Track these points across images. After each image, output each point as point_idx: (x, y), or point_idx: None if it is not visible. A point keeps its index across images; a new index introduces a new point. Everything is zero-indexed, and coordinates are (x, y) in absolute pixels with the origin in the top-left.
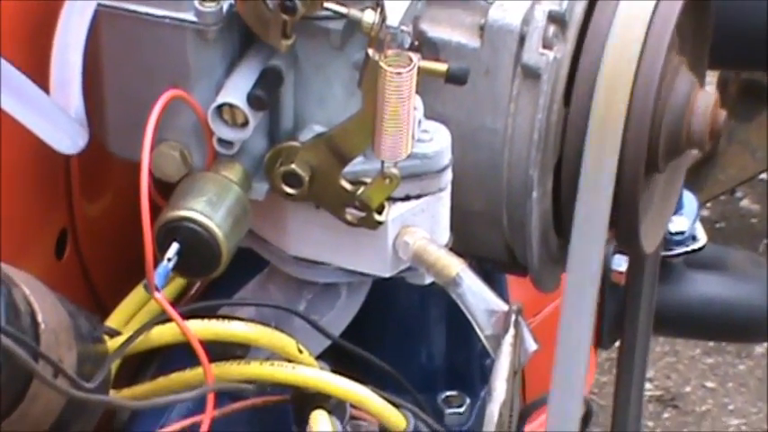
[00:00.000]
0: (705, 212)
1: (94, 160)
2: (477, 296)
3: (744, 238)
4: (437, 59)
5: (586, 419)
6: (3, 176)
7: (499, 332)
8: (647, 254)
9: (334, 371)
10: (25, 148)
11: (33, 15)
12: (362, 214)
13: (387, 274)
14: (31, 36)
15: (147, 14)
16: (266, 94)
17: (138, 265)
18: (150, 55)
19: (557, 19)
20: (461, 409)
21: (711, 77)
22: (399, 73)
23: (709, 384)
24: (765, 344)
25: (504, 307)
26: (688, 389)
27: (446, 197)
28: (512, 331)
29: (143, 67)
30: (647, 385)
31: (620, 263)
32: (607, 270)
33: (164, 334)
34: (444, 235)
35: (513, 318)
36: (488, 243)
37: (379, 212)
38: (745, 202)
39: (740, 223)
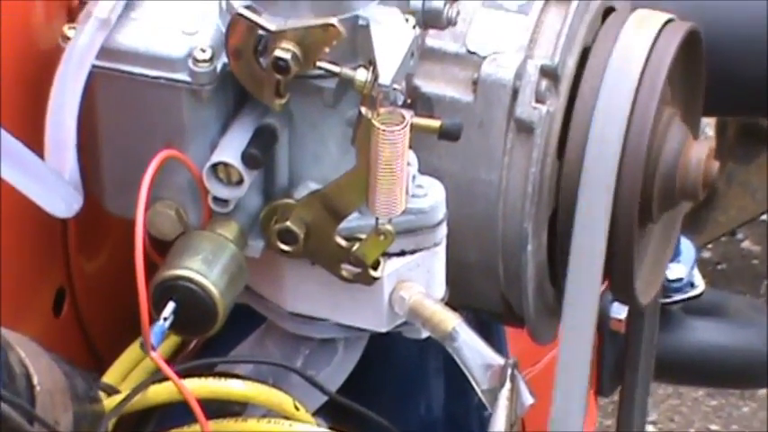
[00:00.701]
0: (706, 254)
1: (91, 218)
2: (473, 350)
3: (745, 280)
4: (431, 115)
5: None
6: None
7: (495, 386)
8: (643, 305)
9: (332, 427)
10: (22, 207)
11: (27, 77)
12: (358, 270)
13: (383, 329)
14: (25, 97)
15: (142, 75)
16: (261, 152)
17: (135, 320)
18: (145, 115)
19: (549, 73)
20: None
21: (710, 120)
22: (392, 130)
23: (713, 427)
24: None
25: (500, 361)
26: (692, 431)
27: (441, 251)
28: (508, 385)
29: (138, 126)
30: (651, 428)
31: (620, 311)
32: (606, 318)
33: (160, 393)
34: (440, 289)
35: (510, 372)
36: (484, 294)
37: (375, 268)
38: (746, 244)
39: (741, 264)
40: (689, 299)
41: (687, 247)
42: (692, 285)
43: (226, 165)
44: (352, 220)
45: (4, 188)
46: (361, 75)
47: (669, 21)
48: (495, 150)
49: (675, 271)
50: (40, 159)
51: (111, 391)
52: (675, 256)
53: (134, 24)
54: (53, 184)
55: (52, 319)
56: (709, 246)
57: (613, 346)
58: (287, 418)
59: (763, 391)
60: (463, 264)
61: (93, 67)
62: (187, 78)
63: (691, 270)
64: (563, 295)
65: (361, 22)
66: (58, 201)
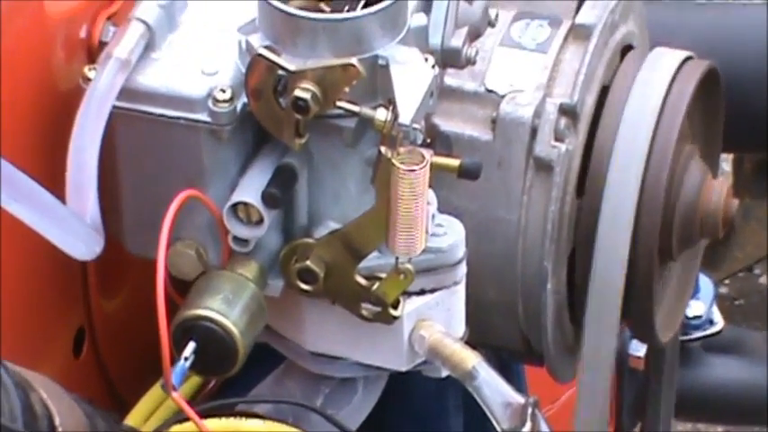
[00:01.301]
0: (724, 290)
1: (111, 259)
2: (493, 389)
3: (763, 315)
4: (450, 153)
5: None
6: (20, 277)
7: (516, 425)
8: (663, 343)
9: None
10: (42, 247)
11: (47, 118)
12: (378, 309)
13: (403, 368)
14: (46, 138)
15: (162, 116)
16: (281, 191)
17: (156, 360)
18: (165, 155)
19: (568, 111)
20: None
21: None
22: (412, 170)
23: None
24: None
25: (520, 399)
26: None
27: (461, 290)
28: (528, 424)
29: (158, 167)
30: None
31: (639, 348)
32: (625, 355)
33: None
34: (460, 328)
35: (530, 410)
36: (504, 333)
37: (395, 307)
38: (763, 279)
39: (759, 300)
40: (708, 336)
41: (706, 283)
42: (711, 322)
43: (246, 204)
44: (372, 260)
45: (24, 229)
46: (381, 114)
47: (688, 58)
48: (514, 189)
49: (695, 308)
50: (60, 202)
51: None
52: (694, 293)
53: (154, 65)
54: (74, 228)
55: (72, 360)
56: (727, 281)
57: (632, 384)
58: None
59: None
60: (483, 302)
61: (114, 107)
62: (207, 119)
63: (710, 307)
64: (582, 333)
65: (380, 61)
66: (79, 244)
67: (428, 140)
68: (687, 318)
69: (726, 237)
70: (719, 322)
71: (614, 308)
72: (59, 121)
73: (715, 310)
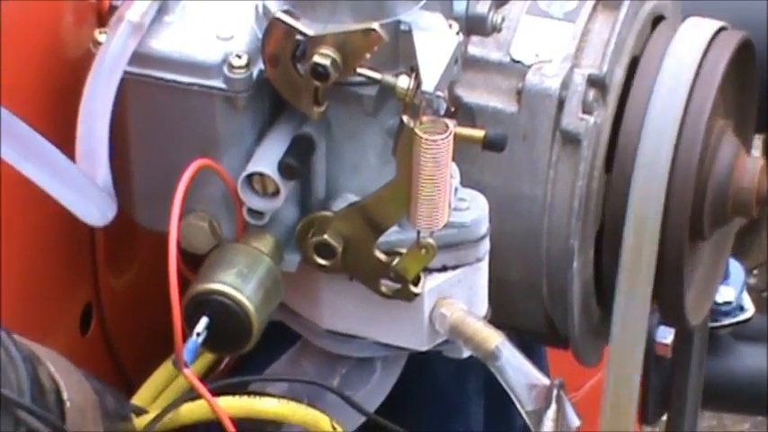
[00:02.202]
0: (751, 280)
1: (120, 232)
2: (517, 370)
3: None
4: (473, 125)
5: None
6: (25, 249)
7: (540, 407)
8: (692, 326)
9: None
10: (48, 220)
11: (58, 83)
12: (398, 286)
13: (423, 348)
14: (57, 104)
15: (175, 82)
16: (298, 162)
17: (165, 339)
18: (178, 123)
19: (597, 83)
20: None
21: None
22: (435, 140)
23: None
24: None
25: (545, 381)
26: None
27: (484, 267)
28: (554, 406)
29: (171, 135)
30: None
31: (665, 335)
32: (651, 342)
33: (193, 411)
34: (482, 306)
35: (556, 392)
36: (527, 314)
37: (415, 284)
38: None
39: None
40: (738, 323)
41: (736, 269)
42: (741, 309)
43: (261, 175)
44: (392, 234)
45: (30, 198)
46: (403, 82)
47: (721, 29)
48: (539, 163)
49: (724, 294)
50: (73, 164)
51: (141, 411)
52: (724, 278)
53: (168, 29)
54: (87, 190)
55: (78, 337)
56: (755, 272)
57: (659, 372)
58: None
59: None
60: (505, 281)
61: (125, 73)
62: (222, 85)
63: (740, 293)
64: (610, 315)
65: (403, 27)
66: (92, 207)
67: (451, 110)
68: (716, 303)
69: (754, 223)
70: (750, 309)
71: (645, 288)
72: (69, 87)
73: (745, 296)
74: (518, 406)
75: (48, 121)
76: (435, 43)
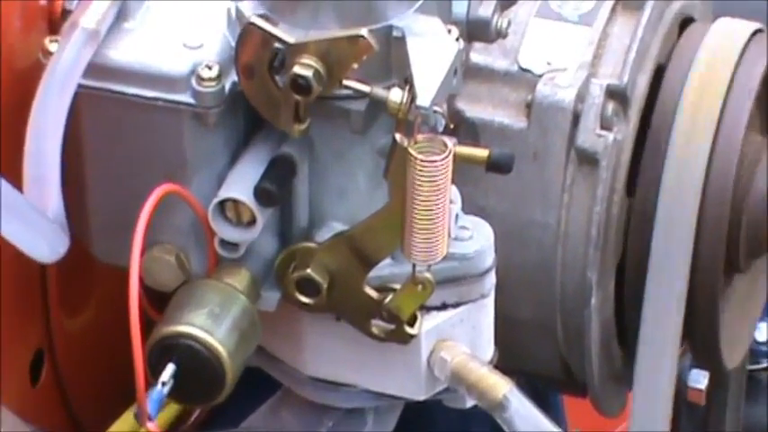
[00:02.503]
0: None
1: (75, 267)
2: (527, 422)
3: None
4: (476, 144)
5: None
6: None
7: None
8: (729, 369)
9: None
10: None
11: (2, 97)
12: (391, 327)
13: (421, 397)
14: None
15: (137, 96)
16: (277, 186)
17: (126, 388)
18: (140, 143)
19: (616, 94)
20: None
21: None
22: (432, 161)
23: None
24: None
25: None
26: None
27: (489, 305)
28: None
29: (132, 157)
30: None
31: (699, 379)
32: (683, 387)
33: None
34: (488, 349)
35: None
36: (540, 357)
37: (411, 324)
38: None
39: None
40: None
41: None
42: None
43: (235, 202)
44: (385, 268)
45: None
46: (396, 95)
47: (757, 31)
48: (552, 186)
49: (765, 331)
50: (18, 193)
51: None
52: (764, 314)
53: (127, 36)
54: (35, 223)
55: (29, 388)
56: None
57: (691, 421)
58: None
59: None
60: (515, 320)
61: (80, 86)
62: (190, 100)
63: None
64: (634, 359)
65: (395, 33)
66: (41, 242)
67: (451, 126)
68: (756, 342)
69: None
70: None
71: (674, 327)
72: (15, 103)
73: None
74: None
75: None
76: (432, 51)
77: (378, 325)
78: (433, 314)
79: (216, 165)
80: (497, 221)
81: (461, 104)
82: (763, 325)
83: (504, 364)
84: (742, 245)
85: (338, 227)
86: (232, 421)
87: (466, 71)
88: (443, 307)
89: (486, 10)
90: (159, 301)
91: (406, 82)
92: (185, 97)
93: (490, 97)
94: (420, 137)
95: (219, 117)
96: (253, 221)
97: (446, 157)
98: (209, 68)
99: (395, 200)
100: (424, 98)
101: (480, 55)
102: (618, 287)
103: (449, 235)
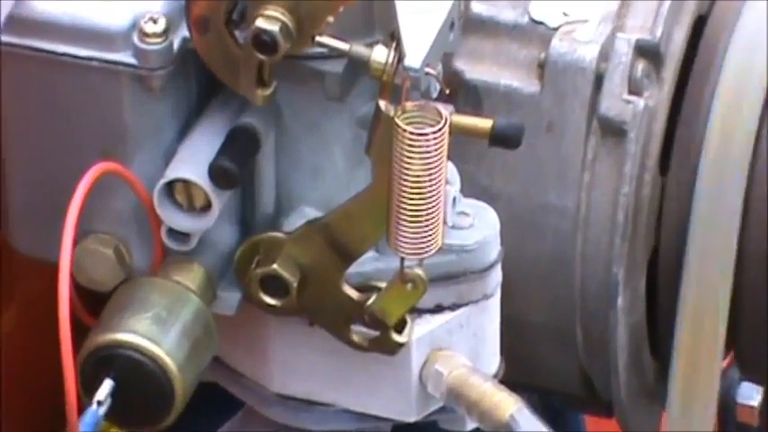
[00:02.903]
0: None
1: None
2: None
3: None
4: (478, 112)
5: None
6: None
7: None
8: None
9: None
10: None
11: None
12: (375, 333)
13: (412, 419)
14: None
15: (66, 56)
16: (236, 164)
17: (54, 408)
18: (71, 113)
19: (648, 51)
20: None
21: None
22: (424, 134)
23: None
24: None
25: None
26: None
27: (494, 307)
28: None
29: (61, 129)
30: None
31: (750, 394)
32: (731, 405)
33: None
34: (492, 361)
35: None
36: (556, 370)
37: (399, 330)
38: None
39: None
40: None
41: None
42: None
43: (186, 183)
44: (367, 262)
45: None
46: (380, 54)
47: None
48: (570, 163)
49: None
50: None
51: None
52: None
53: None
54: None
55: None
56: None
57: None
58: None
59: None
60: (525, 325)
61: None
62: (131, 60)
63: None
64: (669, 371)
65: None
66: None
67: (447, 92)
68: None
69: None
70: None
71: (716, 333)
72: None
73: None
74: None
75: None
76: (422, 1)
77: (359, 331)
78: (426, 318)
79: (163, 138)
80: (504, 206)
81: (460, 65)
82: None
83: (512, 378)
84: None
85: (311, 213)
86: None
87: (465, 24)
88: (438, 309)
89: None
90: (94, 304)
91: (392, 38)
92: (125, 57)
93: (495, 56)
94: (409, 104)
95: (167, 80)
96: (207, 207)
97: (441, 128)
98: (154, 21)
99: (379, 180)
100: (413, 57)
101: (483, 4)
102: (650, 285)
103: (444, 223)
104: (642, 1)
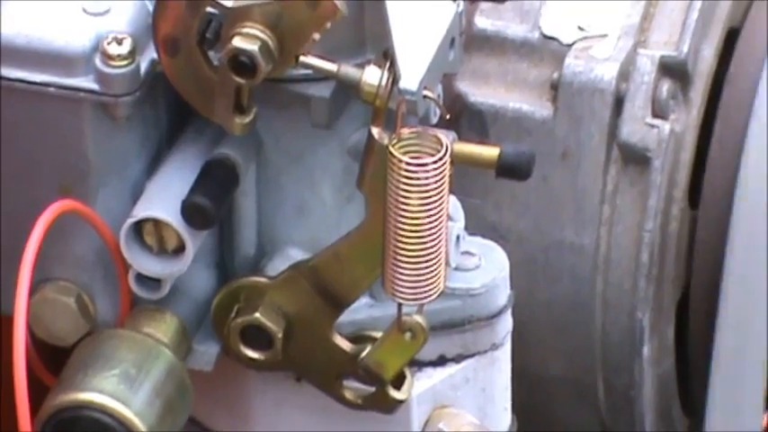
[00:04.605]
0: None
1: None
2: None
3: None
4: (483, 140)
5: None
6: None
7: None
8: None
9: None
10: None
11: None
12: (371, 389)
13: None
14: None
15: (21, 82)
16: (212, 201)
17: None
18: (27, 145)
19: (674, 70)
20: None
21: None
22: (423, 164)
23: None
24: None
25: None
26: None
27: (504, 358)
28: None
29: (16, 163)
30: None
31: None
32: None
33: None
34: (503, 418)
35: None
36: (575, 428)
37: (398, 386)
38: None
39: None
40: None
41: None
42: None
43: (156, 223)
44: (360, 310)
45: None
46: (372, 75)
47: None
48: (587, 196)
49: None
50: None
51: None
52: None
53: (8, 2)
54: None
55: None
56: None
57: None
58: None
59: None
60: (540, 379)
61: None
62: (93, 86)
63: None
64: (701, 427)
65: None
66: None
67: (448, 117)
68: None
69: None
70: None
71: (757, 386)
72: None
73: None
74: None
75: None
76: (420, 15)
77: (352, 387)
78: (428, 372)
79: (129, 173)
80: (514, 245)
81: (463, 86)
82: None
83: None
84: None
85: (297, 255)
86: None
87: (469, 41)
88: (442, 362)
89: None
90: (54, 360)
91: (386, 57)
92: (86, 82)
93: (502, 76)
94: (405, 131)
95: (133, 108)
96: (181, 249)
97: (441, 158)
98: (119, 42)
99: (372, 217)
100: (409, 79)
101: (488, 19)
102: (679, 331)
103: (447, 264)
104: (666, 12)
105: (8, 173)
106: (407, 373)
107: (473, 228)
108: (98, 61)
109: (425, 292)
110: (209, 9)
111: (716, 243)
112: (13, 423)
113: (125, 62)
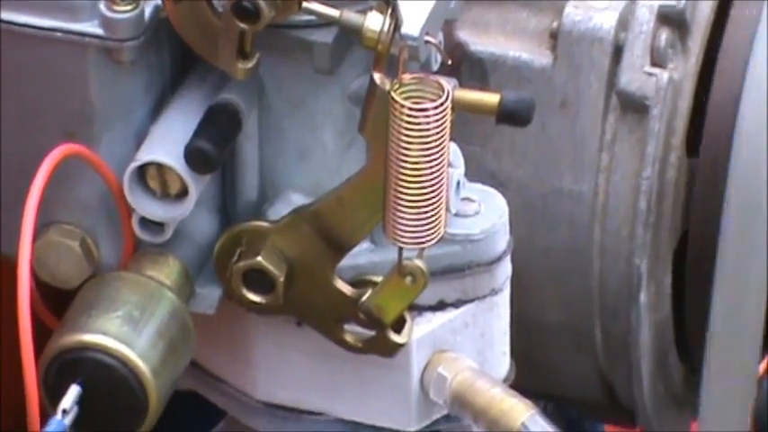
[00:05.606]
0: None
1: None
2: None
3: None
4: (484, 87)
5: None
6: None
7: None
8: None
9: None
10: None
11: None
12: (371, 333)
13: (412, 429)
14: None
15: (26, 26)
16: (215, 146)
17: (17, 417)
18: (31, 89)
19: (672, 19)
20: None
21: None
22: (424, 109)
23: None
24: None
25: None
26: None
27: (503, 304)
28: None
29: (21, 107)
30: None
31: None
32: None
33: None
34: (501, 363)
35: None
36: (573, 375)
37: (398, 330)
38: None
39: None
40: None
41: None
42: None
43: (160, 167)
44: (361, 254)
45: None
46: (374, 21)
47: None
48: (586, 144)
49: None
50: None
51: None
52: None
53: None
54: None
55: None
56: None
57: None
58: None
59: None
60: (538, 325)
61: None
62: (98, 30)
63: None
64: (699, 377)
65: None
66: None
67: (449, 63)
68: None
69: None
70: None
71: (753, 332)
72: None
73: None
74: None
75: None
76: None
77: (353, 331)
78: (428, 316)
79: (133, 118)
80: (513, 191)
81: (464, 35)
82: None
83: (524, 384)
84: None
85: (298, 199)
86: None
87: None
88: (441, 306)
89: None
90: (58, 302)
91: (388, 3)
92: (91, 27)
93: (502, 25)
94: (407, 77)
95: (137, 53)
96: (184, 193)
97: (442, 103)
98: None
99: (374, 162)
100: (411, 24)
101: None
102: (676, 278)
103: (447, 209)
104: None
105: (13, 117)
106: (407, 317)
107: (473, 175)
108: (102, 6)
109: (426, 236)
110: None
111: (714, 190)
112: (17, 364)
113: (129, 7)
